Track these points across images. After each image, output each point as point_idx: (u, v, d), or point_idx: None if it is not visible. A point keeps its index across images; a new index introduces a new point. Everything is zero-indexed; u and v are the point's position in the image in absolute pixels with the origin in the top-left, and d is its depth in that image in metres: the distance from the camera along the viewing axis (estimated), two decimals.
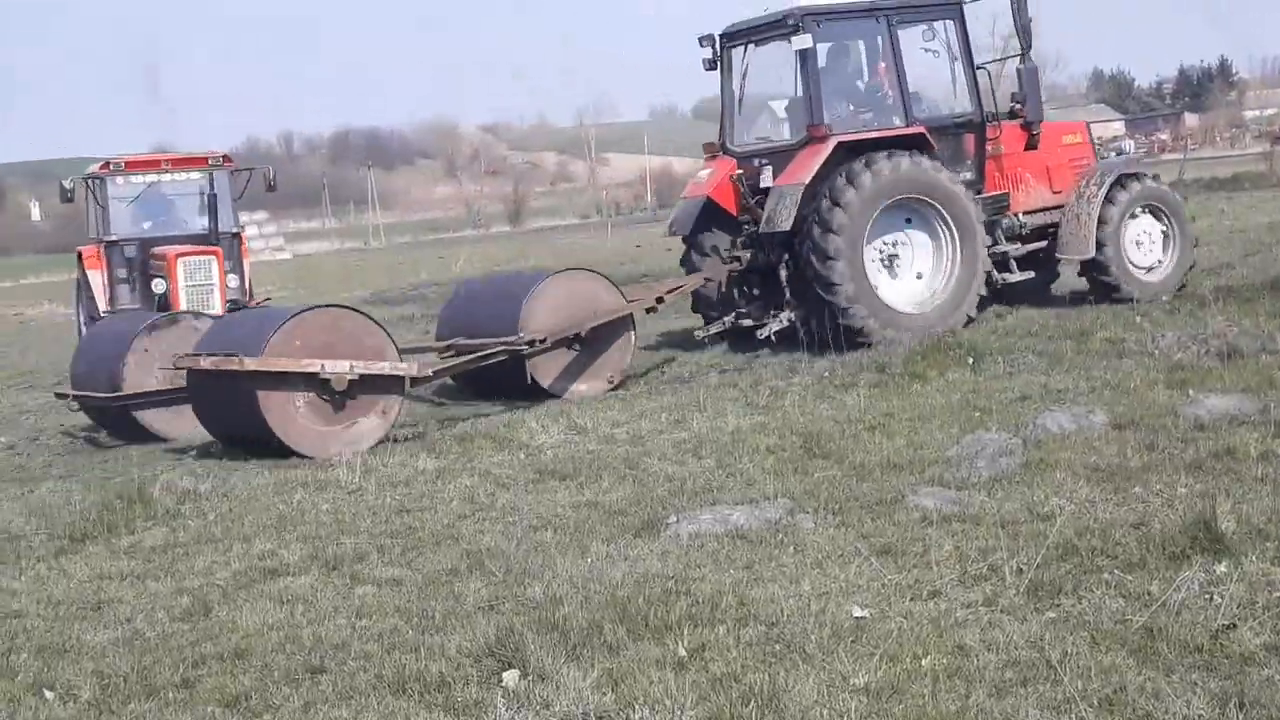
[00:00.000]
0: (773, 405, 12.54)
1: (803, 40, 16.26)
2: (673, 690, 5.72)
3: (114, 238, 23.18)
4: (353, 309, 13.94)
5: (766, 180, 16.83)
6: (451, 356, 14.99)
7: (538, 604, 7.12)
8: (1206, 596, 6.19)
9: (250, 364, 12.58)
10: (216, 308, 22.22)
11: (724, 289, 17.36)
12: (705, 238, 17.36)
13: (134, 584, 8.64)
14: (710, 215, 17.27)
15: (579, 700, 5.75)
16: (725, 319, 17.25)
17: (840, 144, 16.15)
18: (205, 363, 13.02)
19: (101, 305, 23.10)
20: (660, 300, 16.62)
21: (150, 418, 15.21)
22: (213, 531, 9.79)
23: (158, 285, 22.35)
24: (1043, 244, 17.65)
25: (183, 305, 22.19)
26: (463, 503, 9.95)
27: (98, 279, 23.24)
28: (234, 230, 23.91)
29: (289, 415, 12.74)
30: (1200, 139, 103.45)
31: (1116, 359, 12.78)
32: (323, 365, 12.77)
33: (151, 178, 23.63)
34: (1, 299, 64.17)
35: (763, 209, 16.49)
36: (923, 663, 5.79)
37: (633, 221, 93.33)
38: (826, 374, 13.89)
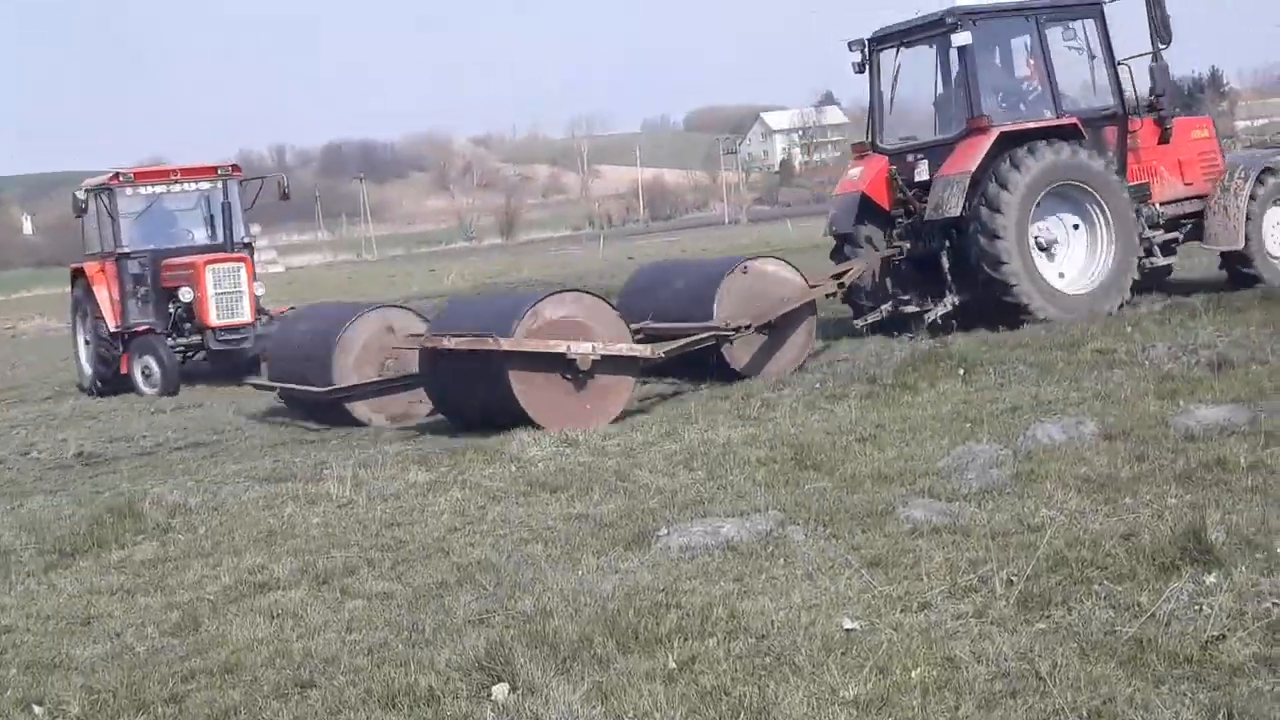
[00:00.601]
0: (764, 417, 12.55)
1: (963, 38, 17.28)
2: (662, 703, 5.71)
3: (126, 250, 23.01)
4: (592, 293, 14.51)
5: (922, 174, 17.83)
6: (642, 339, 15.32)
7: (528, 617, 7.11)
8: (1196, 607, 6.19)
9: (505, 344, 13.09)
10: (246, 315, 22.43)
11: (876, 279, 18.20)
12: (859, 230, 18.25)
13: (124, 599, 8.62)
14: (863, 209, 18.21)
15: (569, 714, 5.74)
16: (882, 308, 18.15)
17: (1002, 134, 17.04)
18: (451, 342, 13.60)
19: (111, 322, 22.85)
20: (841, 285, 17.37)
21: (360, 406, 15.79)
22: (203, 545, 9.77)
23: (185, 294, 22.31)
24: (1175, 234, 18.57)
25: (212, 313, 22.24)
26: (453, 516, 9.93)
27: (104, 294, 23.01)
28: (246, 240, 23.86)
29: (537, 393, 13.29)
30: None
31: (1107, 369, 12.78)
32: (569, 346, 13.30)
33: (161, 188, 23.52)
34: None
35: (920, 201, 17.56)
36: (912, 675, 5.79)
37: (625, 234, 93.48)
38: (818, 385, 13.89)
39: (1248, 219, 18.24)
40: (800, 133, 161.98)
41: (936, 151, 17.82)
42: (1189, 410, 10.23)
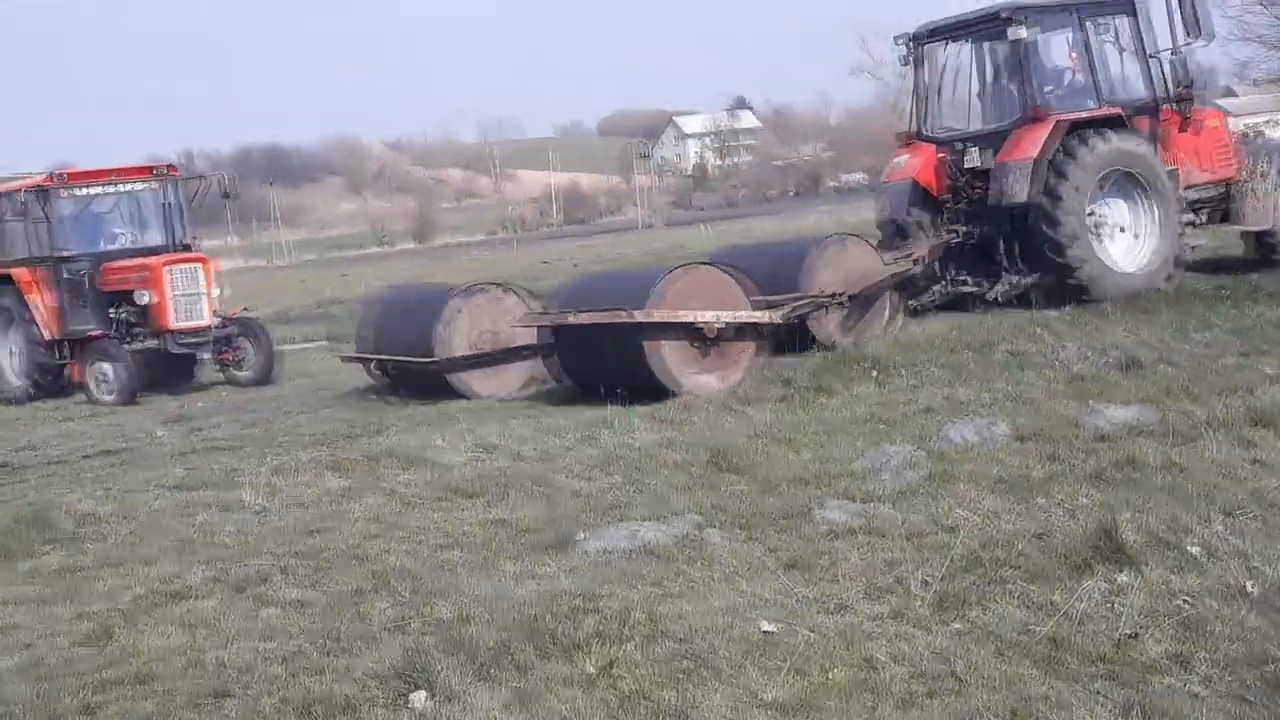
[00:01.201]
0: (681, 420, 12.54)
1: (1018, 31, 18.11)
2: (582, 709, 5.70)
3: (66, 254, 22.10)
4: (716, 265, 15.40)
5: (972, 161, 18.70)
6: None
7: (445, 624, 7.07)
8: (1109, 606, 6.27)
9: (639, 316, 13.89)
10: (205, 318, 21.59)
11: (927, 261, 18.79)
12: (912, 216, 18.99)
13: (33, 609, 8.46)
14: (914, 196, 19.03)
15: None
16: (935, 288, 18.83)
17: (1058, 123, 17.84)
18: (584, 317, 14.46)
19: (48, 329, 21.92)
20: (916, 262, 18.07)
21: (462, 379, 16.34)
22: (114, 554, 9.61)
23: (140, 297, 21.45)
24: (1193, 218, 19.50)
25: (171, 315, 21.37)
26: (369, 522, 9.84)
27: (38, 300, 22.01)
28: (186, 242, 23.09)
29: (669, 361, 14.06)
30: None
31: (1019, 371, 12.91)
32: (696, 316, 14.07)
33: (97, 190, 22.64)
34: None
35: (974, 187, 18.56)
36: (831, 676, 5.82)
37: (539, 238, 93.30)
38: (735, 389, 13.94)
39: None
40: (713, 136, 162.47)
41: (989, 140, 18.62)
42: (1100, 410, 10.36)
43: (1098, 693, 5.42)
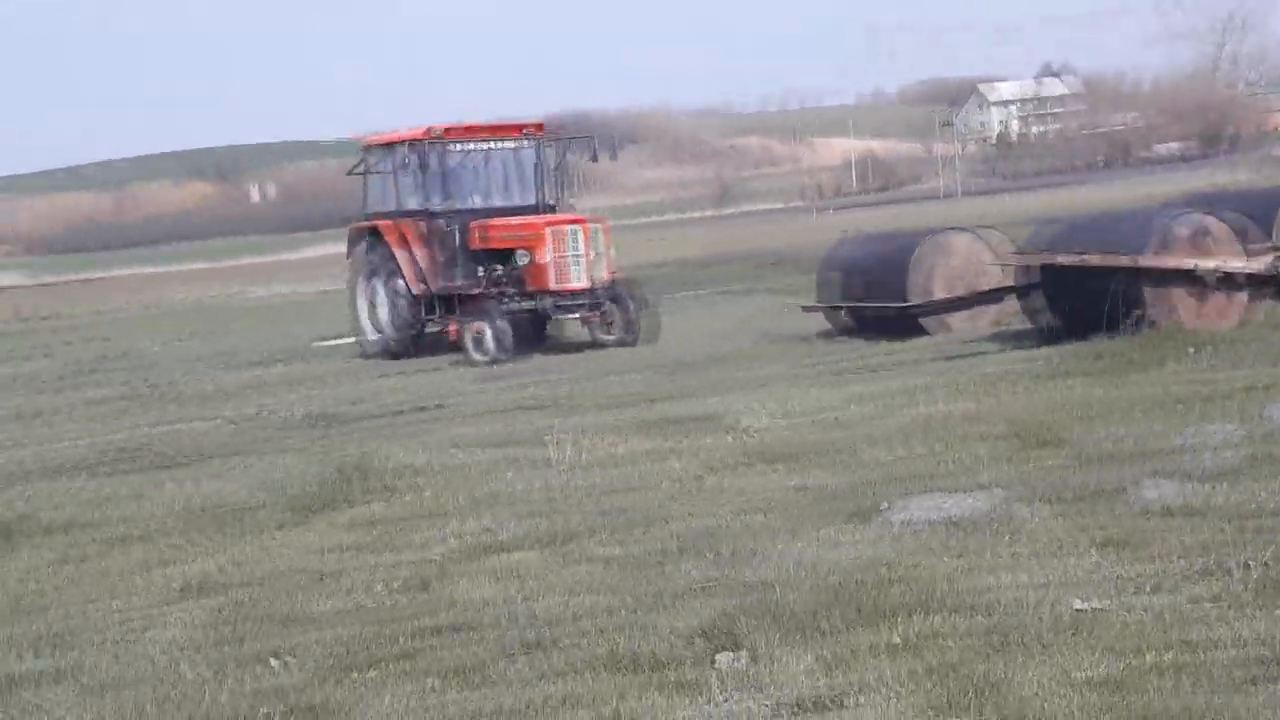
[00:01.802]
0: (988, 392, 12.35)
1: None
2: (888, 678, 5.65)
3: (439, 209, 22.17)
4: (1209, 213, 15.65)
5: None
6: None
7: (750, 587, 7.11)
8: None
9: (1143, 261, 14.58)
10: (583, 280, 21.43)
11: None
12: None
13: (354, 556, 8.85)
14: None
15: (794, 684, 5.72)
16: None
17: None
18: (1077, 259, 15.00)
19: (416, 284, 21.97)
20: None
21: (936, 320, 17.67)
22: (429, 507, 9.98)
23: (521, 257, 21.42)
24: None
25: (551, 277, 21.26)
26: (673, 484, 9.97)
27: (407, 255, 22.12)
28: (550, 203, 23.23)
29: (1167, 304, 14.66)
30: None
31: None
32: (1195, 264, 14.59)
33: (470, 146, 22.72)
34: (226, 279, 66.21)
35: None
36: (1147, 658, 5.64)
37: (838, 206, 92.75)
38: (1042, 361, 13.65)
39: None
40: (1019, 104, 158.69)
41: None
42: None
43: None
